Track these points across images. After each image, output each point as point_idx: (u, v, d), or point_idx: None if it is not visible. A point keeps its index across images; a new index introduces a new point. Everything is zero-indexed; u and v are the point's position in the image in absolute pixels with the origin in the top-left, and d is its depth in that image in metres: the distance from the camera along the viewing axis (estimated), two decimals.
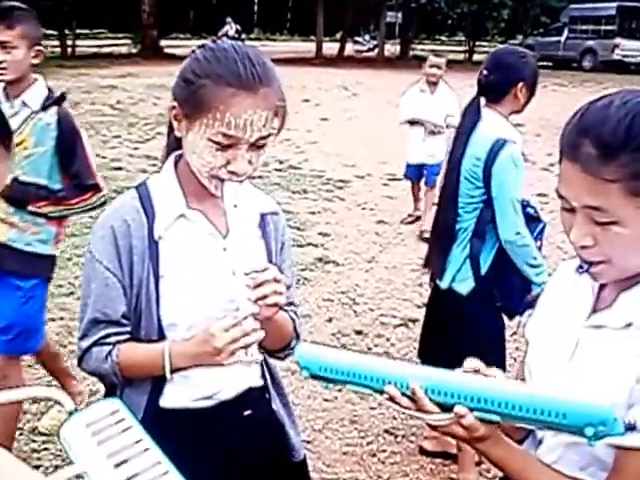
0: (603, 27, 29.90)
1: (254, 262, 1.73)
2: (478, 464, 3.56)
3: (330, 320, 5.34)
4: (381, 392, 1.33)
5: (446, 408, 1.28)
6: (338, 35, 37.20)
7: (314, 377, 1.41)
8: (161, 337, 1.76)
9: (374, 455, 3.76)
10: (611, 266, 1.35)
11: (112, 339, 1.78)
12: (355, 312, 5.53)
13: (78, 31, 31.58)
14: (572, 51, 29.77)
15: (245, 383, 1.89)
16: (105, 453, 1.29)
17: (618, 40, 28.56)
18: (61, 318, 5.10)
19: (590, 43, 29.70)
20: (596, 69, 27.52)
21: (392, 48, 34.84)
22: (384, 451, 3.79)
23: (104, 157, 10.22)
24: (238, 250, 1.81)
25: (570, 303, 1.51)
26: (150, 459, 1.29)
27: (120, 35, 34.69)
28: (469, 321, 3.25)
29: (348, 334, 5.09)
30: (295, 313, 2.00)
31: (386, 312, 5.56)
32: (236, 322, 1.64)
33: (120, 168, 9.64)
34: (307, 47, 32.55)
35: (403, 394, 1.30)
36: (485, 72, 3.26)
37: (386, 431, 3.96)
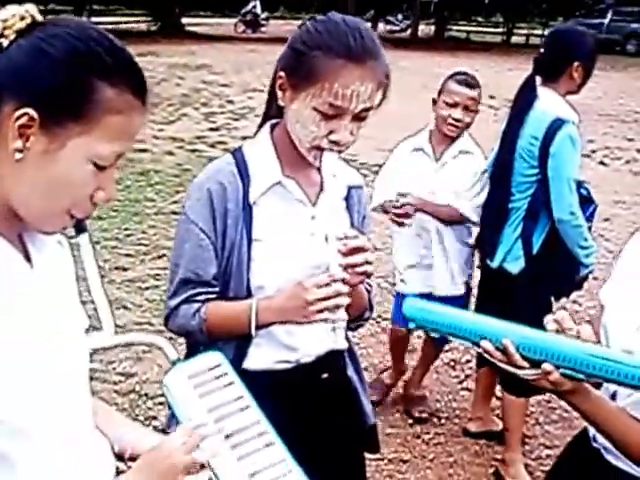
0: None
1: (344, 229, 1.87)
2: (522, 445, 3.75)
3: None
4: (478, 344, 1.53)
5: (536, 363, 1.47)
6: (369, 14, 37.15)
7: (419, 327, 1.62)
8: (248, 298, 1.92)
9: (418, 437, 3.97)
10: None
11: (201, 297, 1.95)
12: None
13: (94, 7, 31.83)
14: (616, 34, 29.45)
15: (324, 346, 2.04)
16: (206, 407, 1.43)
17: None
18: (92, 301, 5.32)
19: (635, 26, 29.51)
20: None
21: (426, 29, 34.74)
22: (428, 433, 4.00)
23: None
24: (326, 218, 1.98)
25: None
26: (249, 418, 1.44)
27: (137, 12, 34.76)
28: (518, 300, 3.39)
29: (389, 318, 5.28)
30: (369, 285, 2.14)
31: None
32: (330, 281, 1.80)
33: (145, 150, 9.81)
34: None
35: (497, 348, 1.49)
36: (542, 50, 3.43)
37: (430, 413, 4.16)
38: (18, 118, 1.13)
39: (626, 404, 1.64)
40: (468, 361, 4.70)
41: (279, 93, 1.86)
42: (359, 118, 1.81)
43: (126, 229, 6.96)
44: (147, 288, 5.60)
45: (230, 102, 13.47)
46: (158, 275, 5.79)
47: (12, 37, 1.17)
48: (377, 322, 5.21)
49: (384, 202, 3.74)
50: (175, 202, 7.47)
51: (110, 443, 1.47)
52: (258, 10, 31.87)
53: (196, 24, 31.83)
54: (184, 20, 31.22)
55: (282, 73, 1.84)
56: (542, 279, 3.43)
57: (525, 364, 1.47)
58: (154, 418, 3.95)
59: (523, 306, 3.33)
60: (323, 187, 2.00)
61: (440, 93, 3.79)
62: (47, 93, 1.14)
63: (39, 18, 1.20)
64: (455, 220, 3.78)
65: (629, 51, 28.75)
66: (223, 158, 2.00)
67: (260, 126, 2.04)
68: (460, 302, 3.81)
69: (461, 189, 3.76)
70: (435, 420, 4.10)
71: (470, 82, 3.74)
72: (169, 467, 1.27)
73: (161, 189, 8.24)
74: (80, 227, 1.32)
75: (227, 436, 1.38)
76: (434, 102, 3.83)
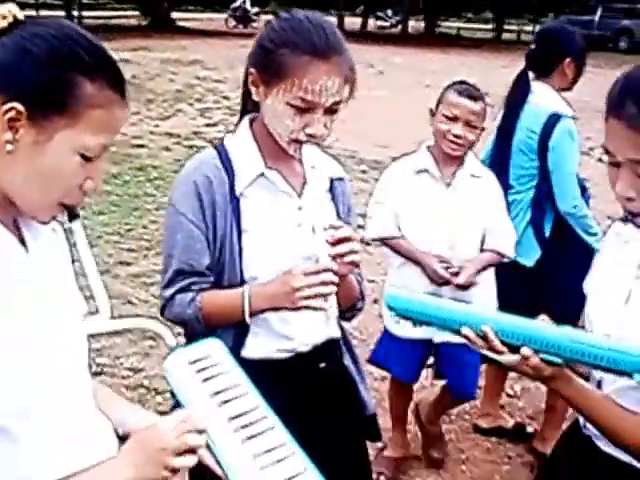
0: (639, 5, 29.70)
1: (330, 220, 1.96)
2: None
3: (376, 301, 5.49)
4: (458, 332, 1.57)
5: (515, 349, 1.52)
6: (359, 10, 37.18)
7: (399, 316, 1.66)
8: None
9: None
10: None
11: (196, 287, 2.00)
12: None
13: (82, 1, 31.64)
14: (607, 31, 29.52)
15: (321, 336, 2.10)
16: (208, 392, 1.47)
17: None
18: (87, 286, 5.31)
19: (626, 22, 29.55)
20: (633, 50, 27.25)
21: (416, 25, 34.81)
22: None
23: (125, 134, 10.38)
24: (312, 209, 2.04)
25: (624, 257, 1.73)
26: (250, 402, 1.48)
27: (126, 6, 34.62)
28: (536, 292, 3.42)
29: None
30: (360, 275, 2.21)
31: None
32: (317, 270, 1.86)
33: (142, 145, 9.87)
34: None
35: (478, 335, 1.54)
36: (533, 46, 3.57)
37: None
38: (6, 112, 1.21)
39: (610, 391, 1.66)
40: None
41: (252, 89, 1.94)
42: (331, 111, 1.89)
43: (127, 224, 6.97)
44: (152, 284, 5.57)
45: (225, 98, 13.44)
46: None
47: None
48: (382, 319, 5.22)
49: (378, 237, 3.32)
50: None
51: (114, 427, 1.51)
52: (248, 5, 31.83)
53: (187, 19, 31.75)
54: (174, 15, 31.16)
55: (253, 70, 1.93)
56: (558, 269, 3.49)
57: (504, 349, 1.52)
58: (165, 413, 3.94)
59: (542, 297, 3.31)
60: (306, 179, 2.07)
61: (438, 104, 3.18)
62: (32, 89, 1.23)
63: (20, 17, 1.27)
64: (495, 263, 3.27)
65: (621, 48, 28.74)
66: (206, 152, 2.06)
67: (239, 120, 2.11)
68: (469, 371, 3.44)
69: (485, 221, 3.20)
70: (445, 417, 4.11)
71: (472, 93, 3.11)
72: (158, 449, 1.28)
73: (160, 184, 8.23)
74: (72, 214, 1.40)
75: (229, 419, 1.42)
76: (432, 113, 3.21)
